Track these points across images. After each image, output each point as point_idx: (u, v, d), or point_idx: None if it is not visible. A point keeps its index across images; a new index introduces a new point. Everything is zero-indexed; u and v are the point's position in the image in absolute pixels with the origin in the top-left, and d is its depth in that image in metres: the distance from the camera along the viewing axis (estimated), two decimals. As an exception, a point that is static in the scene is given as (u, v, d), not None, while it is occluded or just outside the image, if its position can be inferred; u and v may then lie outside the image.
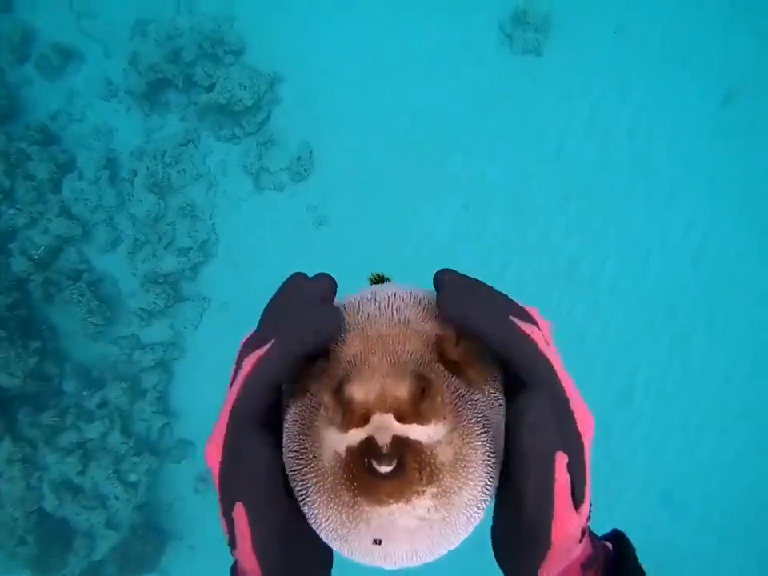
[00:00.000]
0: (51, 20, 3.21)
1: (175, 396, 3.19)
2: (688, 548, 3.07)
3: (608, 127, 3.16)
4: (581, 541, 0.41)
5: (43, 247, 3.00)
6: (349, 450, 0.35)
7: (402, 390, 0.36)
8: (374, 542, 0.36)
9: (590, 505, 0.41)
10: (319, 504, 0.36)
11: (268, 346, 0.37)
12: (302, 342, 0.37)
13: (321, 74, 3.18)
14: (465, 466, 0.36)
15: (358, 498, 0.35)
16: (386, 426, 0.34)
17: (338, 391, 0.36)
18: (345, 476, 0.35)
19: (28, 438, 2.84)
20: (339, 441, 0.35)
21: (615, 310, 3.08)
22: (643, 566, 0.45)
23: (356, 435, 0.35)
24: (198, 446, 3.17)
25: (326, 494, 0.36)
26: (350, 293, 0.45)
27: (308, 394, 0.39)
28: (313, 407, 0.38)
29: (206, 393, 3.17)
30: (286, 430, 0.40)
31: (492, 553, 0.43)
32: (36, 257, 3.00)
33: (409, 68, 3.19)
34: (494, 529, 0.42)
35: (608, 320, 3.08)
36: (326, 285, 0.42)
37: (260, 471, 0.37)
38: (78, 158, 3.17)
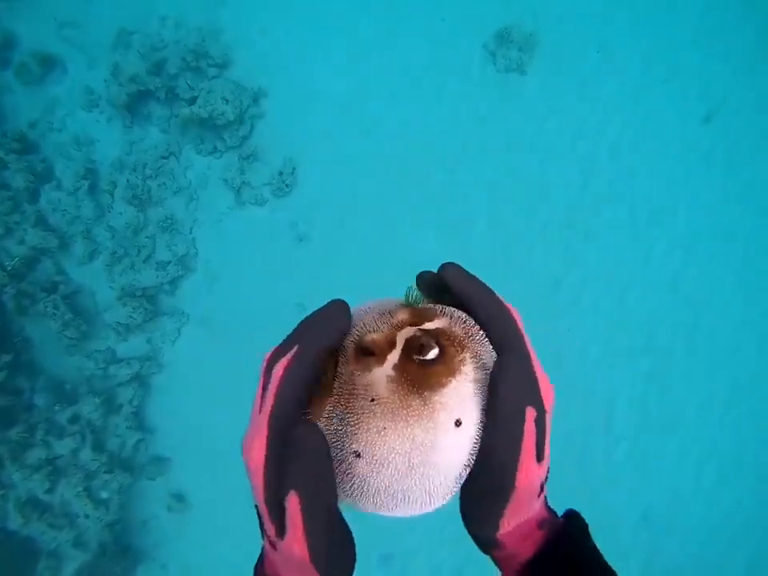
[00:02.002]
0: (33, 28, 3.18)
1: (152, 411, 3.14)
2: (668, 569, 3.06)
3: (590, 147, 3.18)
4: (540, 494, 0.46)
5: (18, 258, 2.94)
6: (396, 365, 0.42)
7: (403, 313, 0.46)
8: (456, 423, 0.42)
9: (548, 468, 0.47)
10: (395, 427, 0.41)
11: (294, 348, 0.42)
12: (322, 337, 0.42)
13: (305, 90, 3.17)
14: (474, 336, 0.45)
15: (425, 393, 0.41)
16: (411, 331, 0.43)
17: (361, 348, 0.43)
18: (405, 387, 0.41)
19: (-5, 454, 2.77)
20: (384, 370, 0.42)
21: (595, 332, 3.08)
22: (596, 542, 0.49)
23: (394, 354, 0.42)
24: (174, 463, 3.11)
25: (398, 410, 0.41)
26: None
27: (336, 379, 0.44)
28: (345, 386, 0.43)
29: (184, 408, 3.12)
30: (327, 412, 0.43)
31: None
32: (10, 267, 2.95)
33: (393, 85, 3.19)
34: (462, 488, 0.46)
35: (588, 342, 3.08)
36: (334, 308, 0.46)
37: (315, 459, 0.39)
38: (57, 167, 3.12)
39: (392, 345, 0.43)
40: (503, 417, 0.41)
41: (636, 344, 3.09)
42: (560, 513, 0.51)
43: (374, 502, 0.43)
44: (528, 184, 3.14)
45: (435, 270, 0.50)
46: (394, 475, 0.42)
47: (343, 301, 0.46)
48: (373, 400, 0.41)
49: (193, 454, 3.05)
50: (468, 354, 0.43)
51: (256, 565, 0.47)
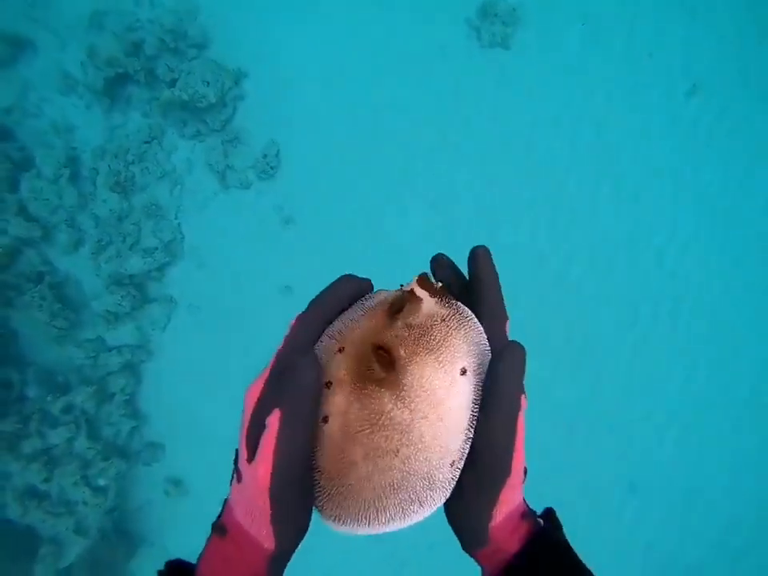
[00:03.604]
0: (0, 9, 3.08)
1: (144, 399, 3.15)
2: (654, 538, 3.16)
3: (575, 121, 3.16)
4: (524, 480, 0.47)
5: (0, 249, 2.90)
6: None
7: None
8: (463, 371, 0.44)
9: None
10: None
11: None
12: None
13: (286, 70, 3.11)
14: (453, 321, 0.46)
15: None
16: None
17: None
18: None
19: (-11, 446, 2.78)
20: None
21: (581, 309, 3.12)
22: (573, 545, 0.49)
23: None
24: (168, 448, 3.14)
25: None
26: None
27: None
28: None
29: (176, 395, 3.14)
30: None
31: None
32: (-7, 259, 2.91)
33: (375, 63, 3.14)
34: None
35: (573, 319, 3.12)
36: (298, 332, 0.47)
37: (308, 386, 0.40)
38: (36, 155, 3.06)
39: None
40: (504, 402, 0.42)
41: (622, 318, 3.13)
42: (533, 505, 0.52)
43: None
44: (513, 160, 3.13)
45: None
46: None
47: (351, 276, 0.50)
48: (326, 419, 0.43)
49: (187, 438, 3.08)
50: (419, 353, 0.43)
51: (214, 522, 0.47)
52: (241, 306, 3.09)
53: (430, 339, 0.43)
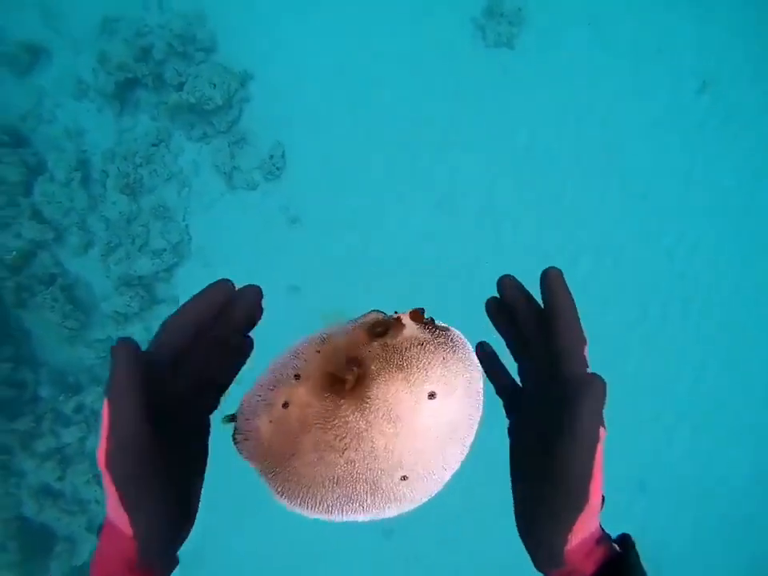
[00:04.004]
0: (17, 18, 3.15)
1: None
2: (663, 535, 3.11)
3: (581, 120, 3.13)
4: (601, 508, 0.48)
5: (15, 252, 2.97)
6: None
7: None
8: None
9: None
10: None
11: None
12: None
13: (292, 72, 3.14)
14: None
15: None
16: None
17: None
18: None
19: (3, 445, 2.84)
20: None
21: (588, 305, 3.08)
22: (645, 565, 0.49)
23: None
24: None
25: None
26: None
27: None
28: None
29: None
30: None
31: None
32: (8, 261, 2.98)
33: (381, 63, 3.15)
34: (522, 501, 0.49)
35: (582, 315, 3.08)
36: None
37: (123, 377, 0.43)
38: (49, 159, 3.13)
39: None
40: (583, 434, 0.45)
41: (630, 317, 3.09)
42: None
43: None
44: (518, 159, 3.11)
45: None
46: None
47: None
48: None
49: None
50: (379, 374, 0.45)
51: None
52: (248, 306, 3.11)
53: (403, 359, 0.45)
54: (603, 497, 0.48)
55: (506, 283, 0.56)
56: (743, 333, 3.07)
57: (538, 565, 0.49)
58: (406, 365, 0.45)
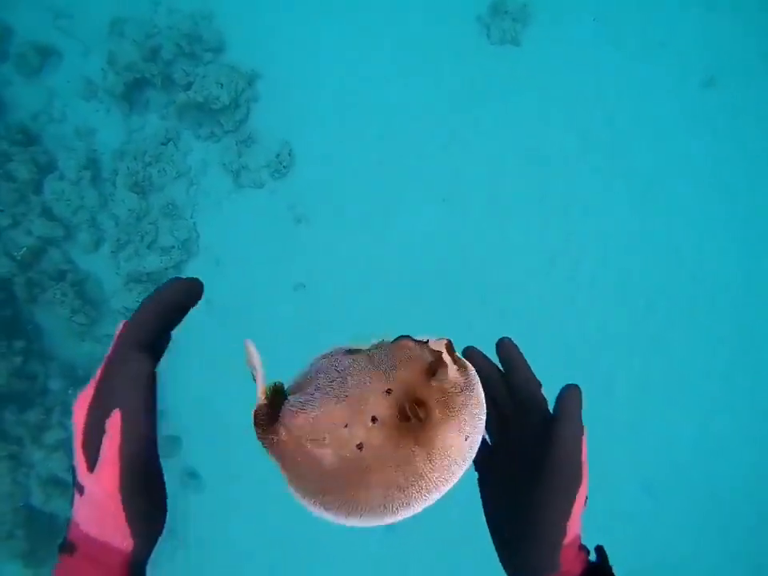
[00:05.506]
0: (27, 19, 3.22)
1: (160, 393, 3.21)
2: (669, 537, 3.10)
3: (587, 117, 3.14)
4: (585, 504, 0.51)
5: (25, 248, 3.03)
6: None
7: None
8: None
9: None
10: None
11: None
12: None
13: (299, 71, 3.18)
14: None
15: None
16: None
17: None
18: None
19: (14, 436, 2.89)
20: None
21: (595, 304, 3.09)
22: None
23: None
24: (185, 441, 3.22)
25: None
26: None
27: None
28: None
29: (191, 389, 3.21)
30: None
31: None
32: (19, 258, 3.04)
33: (387, 62, 3.18)
34: (501, 510, 0.52)
35: (588, 314, 3.09)
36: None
37: (143, 380, 0.41)
38: (59, 158, 3.18)
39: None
40: (572, 422, 0.50)
41: (637, 316, 3.09)
42: None
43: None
44: (524, 157, 3.12)
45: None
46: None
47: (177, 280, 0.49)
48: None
49: (202, 432, 3.15)
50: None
51: (60, 544, 0.45)
52: (255, 303, 3.15)
53: (455, 405, 0.48)
54: (586, 497, 0.52)
55: (472, 353, 0.59)
56: (752, 332, 3.05)
57: (533, 573, 0.51)
58: (458, 413, 0.48)
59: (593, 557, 0.54)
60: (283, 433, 0.47)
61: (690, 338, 3.08)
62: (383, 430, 0.46)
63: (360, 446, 0.46)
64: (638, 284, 3.10)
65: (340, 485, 0.45)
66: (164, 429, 3.21)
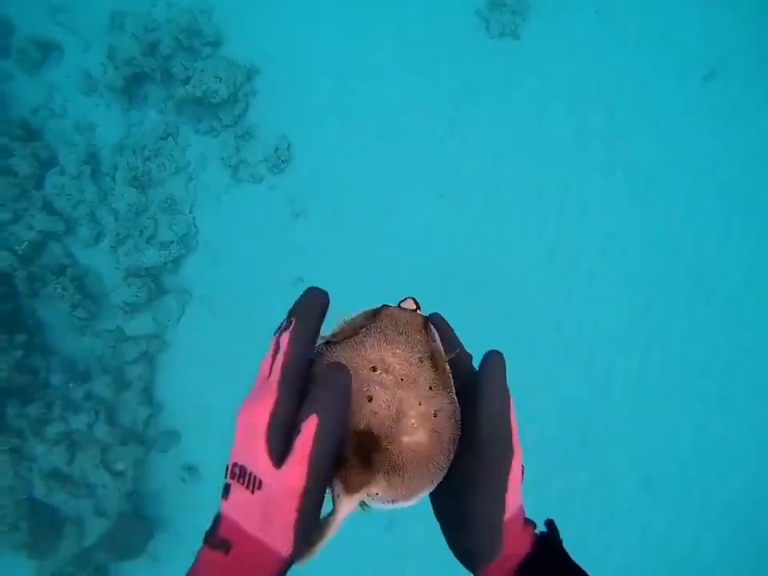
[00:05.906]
0: (27, 14, 3.21)
1: (160, 387, 3.25)
2: (667, 532, 3.12)
3: (587, 111, 3.13)
4: (521, 480, 0.49)
5: (27, 242, 3.04)
6: None
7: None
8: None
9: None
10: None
11: (294, 322, 0.46)
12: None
13: (297, 66, 3.17)
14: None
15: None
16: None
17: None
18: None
19: (15, 429, 2.92)
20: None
21: (594, 298, 3.09)
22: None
23: None
24: (184, 436, 3.24)
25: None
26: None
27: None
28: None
29: (190, 384, 3.23)
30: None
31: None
32: (20, 252, 3.05)
33: (386, 56, 3.17)
34: (442, 490, 0.49)
35: (586, 308, 3.09)
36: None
37: (348, 393, 0.43)
38: (60, 153, 3.19)
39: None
40: (498, 399, 0.47)
41: (635, 310, 3.09)
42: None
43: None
44: (524, 151, 3.12)
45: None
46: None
47: (317, 288, 0.50)
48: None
49: (201, 427, 3.17)
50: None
51: (206, 533, 0.45)
52: (253, 298, 3.16)
53: (449, 383, 0.52)
54: (523, 468, 0.49)
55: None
56: (751, 327, 3.05)
57: (475, 560, 0.48)
58: (451, 384, 0.52)
59: (542, 532, 0.52)
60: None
61: (688, 333, 3.09)
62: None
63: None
64: (637, 279, 3.10)
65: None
66: (163, 423, 3.23)
